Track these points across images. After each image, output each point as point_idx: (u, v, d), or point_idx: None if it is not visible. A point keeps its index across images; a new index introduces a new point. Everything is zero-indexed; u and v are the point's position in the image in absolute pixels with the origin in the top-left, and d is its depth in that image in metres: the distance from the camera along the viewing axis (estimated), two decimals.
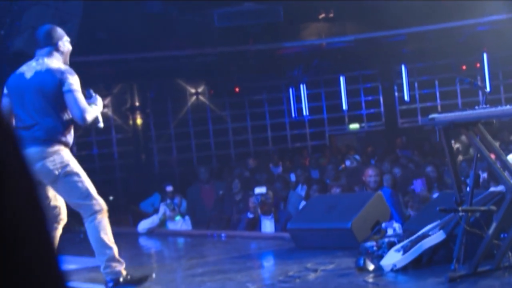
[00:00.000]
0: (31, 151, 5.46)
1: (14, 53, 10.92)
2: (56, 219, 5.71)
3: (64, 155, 5.60)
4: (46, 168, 5.50)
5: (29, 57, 8.12)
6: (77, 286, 5.88)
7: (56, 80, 5.56)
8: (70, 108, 5.58)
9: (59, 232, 5.75)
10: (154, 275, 5.85)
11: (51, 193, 5.71)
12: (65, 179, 5.56)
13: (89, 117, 5.61)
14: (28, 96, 5.62)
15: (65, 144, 5.66)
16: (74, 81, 5.59)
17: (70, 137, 5.70)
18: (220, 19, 14.35)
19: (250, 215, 9.08)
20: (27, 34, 10.76)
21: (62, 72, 5.61)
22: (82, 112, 5.53)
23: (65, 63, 5.78)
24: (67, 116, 5.63)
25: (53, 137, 5.56)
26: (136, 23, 13.92)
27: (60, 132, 5.59)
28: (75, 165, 5.65)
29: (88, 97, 5.81)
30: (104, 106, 16.48)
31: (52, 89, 5.56)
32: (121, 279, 5.54)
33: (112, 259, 5.58)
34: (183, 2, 14.09)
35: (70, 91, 5.54)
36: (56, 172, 5.52)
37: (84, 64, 13.49)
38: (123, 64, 15.26)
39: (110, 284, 5.53)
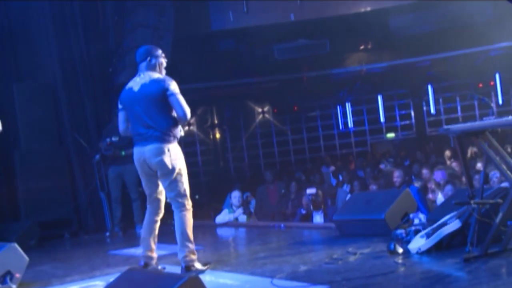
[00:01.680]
0: (151, 148, 5.51)
1: (119, 85, 11.09)
2: (157, 211, 5.72)
3: (177, 152, 5.57)
4: (163, 162, 5.48)
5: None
6: (169, 269, 5.89)
7: (160, 87, 5.53)
8: (175, 108, 5.54)
9: (158, 223, 5.74)
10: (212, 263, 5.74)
11: (159, 187, 5.69)
12: (173, 175, 5.51)
13: (189, 114, 5.59)
14: (139, 105, 5.59)
15: (176, 138, 5.63)
16: (174, 86, 5.57)
17: (178, 132, 5.65)
18: (279, 53, 14.42)
19: (303, 211, 9.05)
20: (129, 70, 10.93)
21: (163, 80, 5.59)
22: (184, 110, 5.50)
23: (160, 73, 5.75)
24: (173, 115, 5.59)
25: (166, 135, 5.52)
26: (214, 58, 14.07)
27: (170, 129, 5.54)
28: (183, 165, 5.61)
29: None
30: (190, 124, 16.93)
31: (158, 95, 5.52)
32: (193, 268, 5.49)
33: (191, 251, 5.54)
34: (250, 41, 14.18)
35: (173, 94, 5.51)
36: (170, 167, 5.49)
37: None
38: (205, 91, 15.42)
39: (184, 269, 5.51)
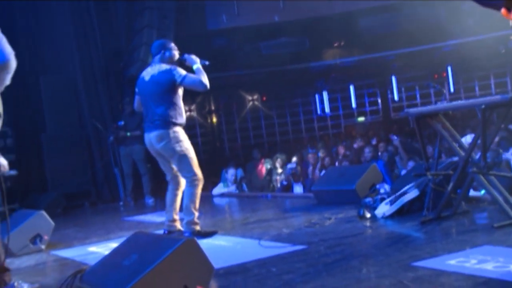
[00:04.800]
0: (155, 134, 5.30)
1: (130, 77, 11.03)
2: (176, 186, 5.53)
3: (179, 136, 5.30)
4: (165, 146, 5.27)
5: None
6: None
7: (168, 78, 5.25)
8: (194, 87, 5.27)
9: (179, 197, 5.54)
10: (218, 231, 5.59)
11: (174, 166, 5.46)
12: (180, 154, 5.28)
13: (207, 80, 5.26)
14: (147, 94, 5.38)
15: (179, 125, 5.34)
16: (180, 71, 5.27)
17: (181, 119, 5.35)
18: (265, 49, 14.34)
19: (285, 183, 9.02)
20: (138, 65, 10.86)
21: (170, 71, 5.27)
22: (201, 84, 5.22)
23: (172, 64, 5.39)
24: (176, 103, 5.32)
25: (167, 121, 5.26)
26: (209, 53, 13.90)
27: (171, 116, 5.27)
28: (187, 143, 5.35)
29: (186, 59, 5.44)
30: (191, 110, 16.83)
31: (166, 84, 5.26)
32: (195, 232, 5.36)
33: (193, 219, 5.41)
34: (240, 38, 14.08)
35: (183, 78, 5.23)
36: (172, 150, 5.27)
37: None
38: None
39: (187, 234, 5.39)
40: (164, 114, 5.28)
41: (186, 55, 5.49)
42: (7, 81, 2.40)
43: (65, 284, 3.41)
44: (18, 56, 2.42)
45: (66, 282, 3.42)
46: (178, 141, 5.29)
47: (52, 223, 5.99)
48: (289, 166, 9.15)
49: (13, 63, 2.35)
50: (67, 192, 9.90)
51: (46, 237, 5.89)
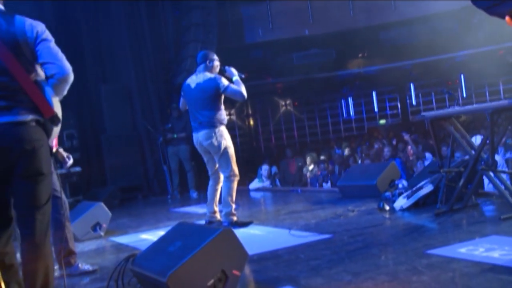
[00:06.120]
0: (203, 133, 5.33)
1: (177, 85, 11.14)
2: (217, 181, 5.55)
3: (223, 134, 5.34)
4: (212, 144, 5.31)
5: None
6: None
7: (213, 85, 5.29)
8: (234, 96, 5.29)
9: (218, 191, 5.55)
10: (253, 221, 5.61)
11: (217, 163, 5.46)
12: (223, 151, 5.33)
13: (245, 91, 5.30)
14: (193, 100, 5.42)
15: (222, 124, 5.38)
16: (224, 81, 5.31)
17: (224, 120, 5.39)
18: (297, 59, 14.25)
19: (324, 184, 8.96)
20: (184, 74, 10.96)
21: (215, 79, 5.31)
22: (241, 95, 5.25)
23: (214, 73, 5.44)
24: (219, 107, 5.34)
25: (213, 122, 5.30)
26: (247, 64, 13.95)
27: (216, 117, 5.31)
28: (229, 142, 5.40)
29: (226, 71, 5.47)
30: (230, 114, 16.89)
31: (211, 91, 5.30)
32: (233, 223, 5.41)
33: (231, 211, 5.46)
34: (275, 50, 14.07)
35: (226, 87, 5.26)
36: (217, 147, 5.31)
37: None
38: None
39: (225, 223, 5.44)
40: (209, 116, 5.34)
41: (226, 67, 5.54)
42: (65, 91, 2.58)
43: (120, 267, 3.47)
44: (82, 68, 2.59)
45: (121, 264, 3.49)
46: (222, 138, 5.34)
47: (110, 213, 6.11)
48: (320, 172, 9.08)
49: (71, 77, 2.54)
50: (122, 186, 10.07)
51: (104, 225, 6.02)
